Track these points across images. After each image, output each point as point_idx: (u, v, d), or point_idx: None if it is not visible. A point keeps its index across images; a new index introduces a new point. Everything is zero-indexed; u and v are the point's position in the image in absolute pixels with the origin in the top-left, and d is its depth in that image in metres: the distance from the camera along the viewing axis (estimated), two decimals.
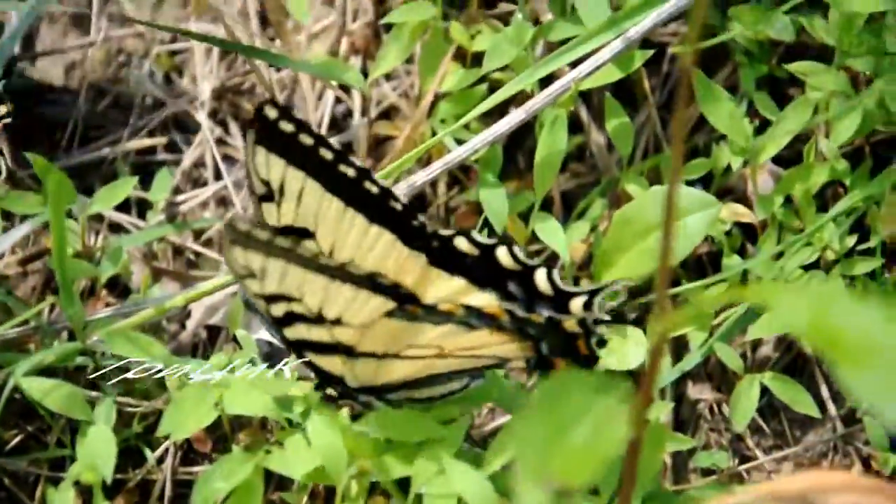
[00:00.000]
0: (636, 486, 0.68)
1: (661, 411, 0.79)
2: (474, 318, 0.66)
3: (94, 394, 0.77)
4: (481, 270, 0.70)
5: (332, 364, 0.69)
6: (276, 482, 0.75)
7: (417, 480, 0.70)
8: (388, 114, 0.92)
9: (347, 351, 0.68)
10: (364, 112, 0.91)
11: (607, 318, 0.68)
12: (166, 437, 0.79)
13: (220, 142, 0.93)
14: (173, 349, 0.85)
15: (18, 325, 0.80)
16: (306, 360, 0.69)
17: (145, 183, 0.90)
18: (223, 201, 0.91)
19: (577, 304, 0.68)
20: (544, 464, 0.49)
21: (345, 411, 0.73)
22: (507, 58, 0.81)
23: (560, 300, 0.69)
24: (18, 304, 0.81)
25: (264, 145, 0.67)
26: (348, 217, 0.69)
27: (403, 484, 0.72)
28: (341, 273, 0.64)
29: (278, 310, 0.66)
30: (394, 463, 0.71)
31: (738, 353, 0.79)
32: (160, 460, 0.79)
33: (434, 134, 0.85)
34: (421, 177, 0.81)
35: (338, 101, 0.93)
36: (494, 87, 0.83)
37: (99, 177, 0.92)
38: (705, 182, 0.84)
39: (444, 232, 0.70)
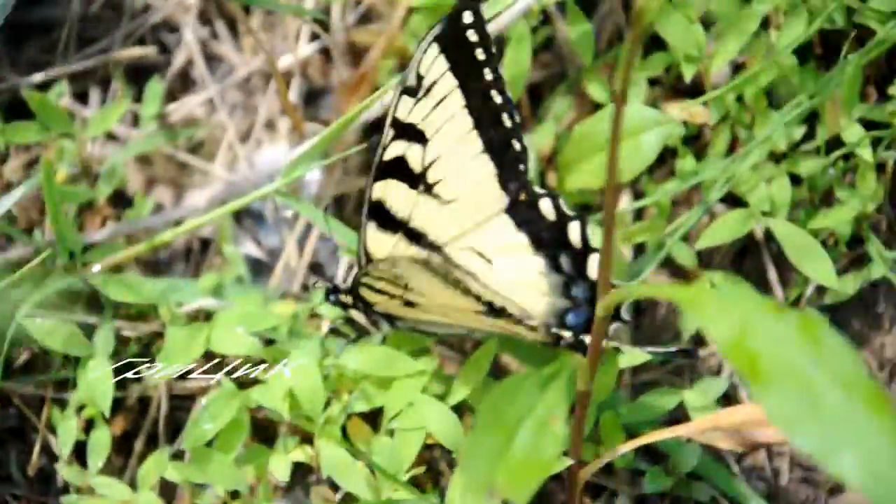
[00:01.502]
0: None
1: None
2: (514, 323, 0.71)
3: (91, 320, 0.82)
4: (547, 235, 0.75)
5: (376, 299, 0.73)
6: None
7: (389, 413, 0.75)
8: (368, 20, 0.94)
9: (406, 303, 0.73)
10: (342, 17, 0.92)
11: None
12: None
13: (206, 44, 0.96)
14: (167, 256, 0.89)
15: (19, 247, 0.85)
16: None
17: (137, 83, 0.94)
18: (211, 104, 0.94)
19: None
20: (489, 477, 0.53)
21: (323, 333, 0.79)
22: None
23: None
24: (17, 231, 0.85)
25: (440, 44, 0.71)
26: (470, 137, 0.73)
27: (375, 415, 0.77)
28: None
29: None
30: (369, 394, 0.76)
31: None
32: None
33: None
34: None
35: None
36: None
37: (95, 80, 0.95)
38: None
39: (539, 189, 0.75)
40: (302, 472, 0.79)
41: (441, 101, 0.72)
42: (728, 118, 0.83)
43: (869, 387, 0.46)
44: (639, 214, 0.86)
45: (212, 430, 0.74)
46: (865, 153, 0.78)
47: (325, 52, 0.94)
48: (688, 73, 0.81)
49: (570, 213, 0.74)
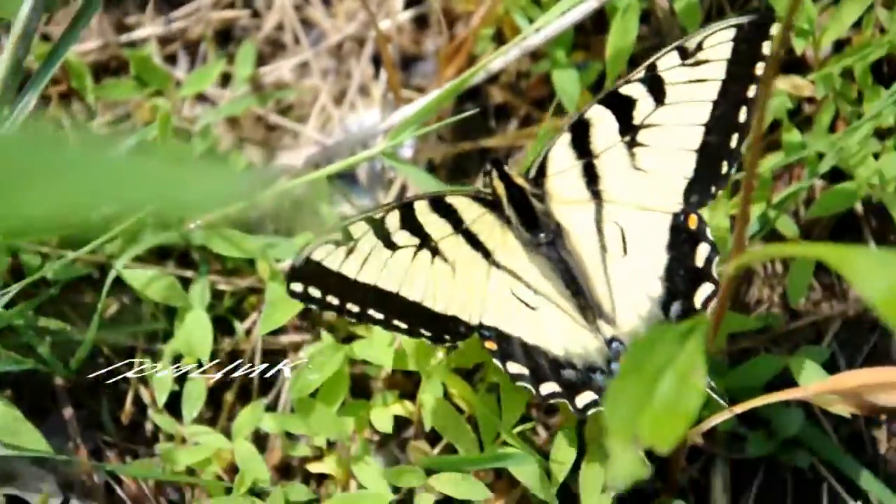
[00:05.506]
0: None
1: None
2: None
3: (187, 273, 0.82)
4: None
5: None
6: None
7: (491, 370, 0.75)
8: None
9: None
10: None
11: None
12: (254, 308, 0.83)
13: (299, 8, 0.95)
14: (257, 216, 0.87)
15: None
16: None
17: (225, 46, 0.93)
18: (302, 69, 0.94)
19: None
20: (633, 425, 0.53)
21: None
22: None
23: None
24: None
25: (737, 33, 0.69)
26: (695, 132, 0.71)
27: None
28: None
29: None
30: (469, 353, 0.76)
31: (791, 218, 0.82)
32: (248, 331, 0.83)
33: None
34: (497, 64, 0.83)
35: None
36: None
37: (183, 42, 0.94)
38: None
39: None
40: (397, 427, 0.78)
41: (699, 80, 0.70)
42: (833, 93, 0.81)
43: None
44: (735, 185, 0.85)
45: (317, 380, 0.73)
46: None
47: (417, 21, 0.93)
48: (798, 47, 0.80)
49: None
